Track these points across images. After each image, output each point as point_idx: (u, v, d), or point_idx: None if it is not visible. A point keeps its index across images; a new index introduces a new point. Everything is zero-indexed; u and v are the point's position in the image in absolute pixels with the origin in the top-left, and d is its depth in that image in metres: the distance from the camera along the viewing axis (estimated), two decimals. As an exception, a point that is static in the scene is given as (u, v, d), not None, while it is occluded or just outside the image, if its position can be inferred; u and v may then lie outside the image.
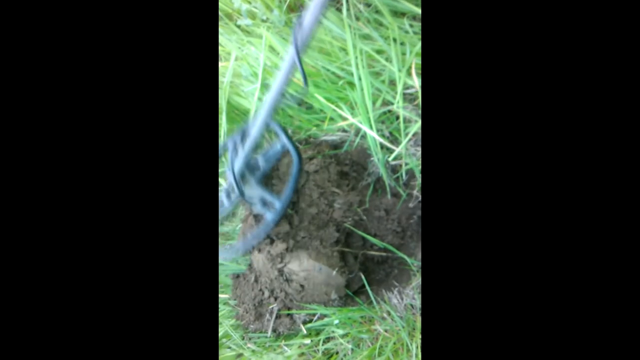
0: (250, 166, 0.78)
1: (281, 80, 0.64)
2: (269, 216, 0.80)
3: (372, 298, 0.81)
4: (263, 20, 0.89)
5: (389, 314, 0.77)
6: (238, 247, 0.83)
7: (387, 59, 0.77)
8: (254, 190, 0.79)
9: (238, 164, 0.74)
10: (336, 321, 0.78)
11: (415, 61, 0.72)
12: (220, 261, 1.02)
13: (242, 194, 0.76)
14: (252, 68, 0.87)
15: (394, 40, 0.74)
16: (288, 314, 0.86)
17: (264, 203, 0.82)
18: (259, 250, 0.87)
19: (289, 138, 0.78)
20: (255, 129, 0.72)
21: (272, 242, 0.86)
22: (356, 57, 0.74)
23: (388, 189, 0.92)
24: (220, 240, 1.08)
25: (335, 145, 0.95)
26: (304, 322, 0.83)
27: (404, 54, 0.75)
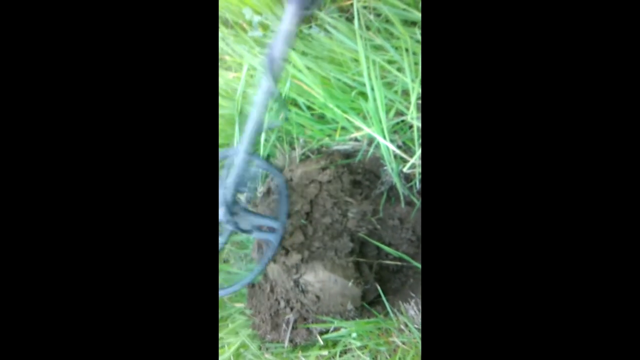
0: (235, 198, 0.77)
1: (258, 110, 0.65)
2: (273, 238, 0.81)
3: (389, 309, 0.81)
4: (273, 32, 0.90)
5: (406, 325, 0.77)
6: (249, 277, 0.85)
7: (399, 69, 0.76)
8: (247, 220, 0.80)
9: (225, 198, 0.74)
10: (354, 334, 0.78)
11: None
12: (235, 270, 1.03)
13: (237, 228, 0.76)
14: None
15: (406, 50, 0.74)
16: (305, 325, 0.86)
17: (260, 229, 0.83)
18: (274, 261, 0.87)
19: (270, 164, 0.79)
20: (237, 161, 0.72)
21: (287, 252, 0.86)
22: (368, 68, 0.74)
23: (402, 197, 0.91)
24: (233, 249, 1.09)
25: (348, 155, 0.95)
26: (321, 333, 0.83)
27: (416, 63, 0.74)
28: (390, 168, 0.85)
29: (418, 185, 0.88)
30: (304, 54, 0.84)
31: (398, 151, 0.78)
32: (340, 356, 0.78)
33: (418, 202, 0.90)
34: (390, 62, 0.76)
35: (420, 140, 0.77)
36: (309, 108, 0.90)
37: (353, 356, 0.77)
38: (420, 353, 0.71)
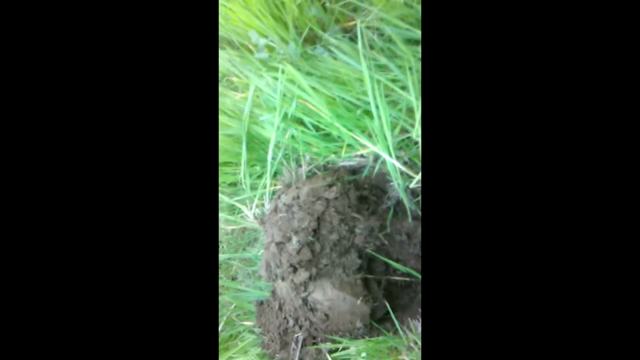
0: None
1: None
2: None
3: (398, 327, 0.80)
4: (280, 54, 0.92)
5: (415, 343, 0.76)
6: None
7: (403, 88, 0.77)
8: None
9: None
10: (364, 354, 0.77)
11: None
12: (243, 287, 1.03)
13: None
14: (271, 97, 0.89)
15: (409, 69, 0.75)
16: (314, 344, 0.85)
17: None
18: (283, 279, 0.87)
19: None
20: None
21: (295, 270, 0.86)
22: (372, 87, 0.75)
23: (409, 212, 0.91)
24: (241, 266, 1.10)
25: (354, 171, 0.96)
26: (330, 352, 0.83)
27: (420, 82, 0.75)
28: (397, 184, 0.86)
29: (425, 201, 0.88)
30: (309, 74, 0.86)
31: (404, 168, 0.78)
32: (350, 376, 0.78)
33: (425, 218, 0.90)
34: (394, 80, 0.78)
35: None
36: (315, 127, 0.91)
37: (363, 376, 0.76)
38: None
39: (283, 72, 0.82)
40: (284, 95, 0.87)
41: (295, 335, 0.86)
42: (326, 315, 0.83)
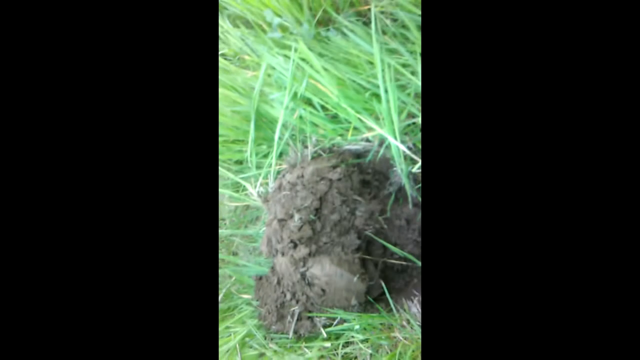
0: None
1: None
2: None
3: (392, 306, 0.83)
4: (292, 34, 0.93)
5: (408, 322, 0.78)
6: None
7: (412, 73, 0.79)
8: None
9: None
10: (357, 326, 0.80)
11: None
12: (243, 262, 1.06)
13: None
14: (282, 76, 0.90)
15: (420, 54, 0.76)
16: (309, 317, 0.88)
17: None
18: (283, 254, 0.90)
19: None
20: None
21: (295, 246, 0.88)
22: (383, 71, 0.76)
23: (410, 198, 0.93)
24: (242, 242, 1.12)
25: (359, 155, 0.97)
26: (325, 326, 0.85)
27: (430, 68, 0.77)
28: (400, 169, 0.88)
29: (426, 187, 0.90)
30: (321, 55, 0.87)
31: (408, 152, 0.80)
32: (342, 348, 0.80)
33: (425, 204, 0.91)
34: (404, 65, 0.79)
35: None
36: (323, 108, 0.93)
37: (355, 349, 0.79)
38: (420, 349, 0.72)
39: (296, 50, 0.84)
40: (295, 75, 0.88)
41: (292, 309, 0.89)
42: (323, 290, 0.86)
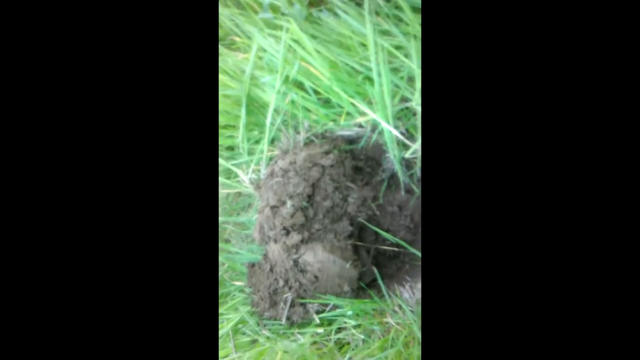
0: None
1: None
2: None
3: (384, 291, 0.83)
4: (283, 14, 0.90)
5: (400, 307, 0.79)
6: None
7: (406, 55, 0.77)
8: None
9: None
10: (349, 312, 0.80)
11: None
12: (236, 249, 1.05)
13: None
14: (274, 58, 0.88)
15: (414, 36, 0.74)
16: (302, 304, 0.88)
17: None
18: (275, 241, 0.89)
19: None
20: None
21: (287, 233, 0.88)
22: (376, 53, 0.74)
23: (402, 185, 0.92)
24: (234, 229, 1.11)
25: (351, 141, 0.96)
26: (317, 312, 0.85)
27: (424, 50, 0.75)
28: (393, 155, 0.86)
29: (418, 173, 0.90)
30: (313, 37, 0.84)
31: (401, 137, 0.79)
32: (335, 334, 0.81)
33: (417, 190, 0.91)
34: (397, 47, 0.77)
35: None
36: (315, 92, 0.90)
37: (347, 335, 0.79)
38: (413, 334, 0.73)
39: (287, 31, 0.81)
40: (286, 57, 0.86)
41: (285, 296, 0.89)
42: (315, 277, 0.85)
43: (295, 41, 0.82)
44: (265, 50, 0.88)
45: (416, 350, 0.69)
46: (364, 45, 0.80)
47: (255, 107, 0.99)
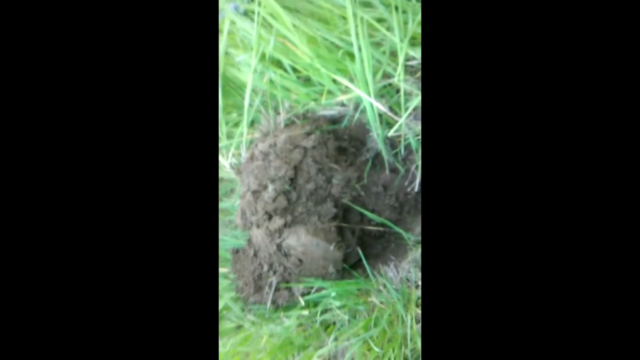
0: None
1: None
2: None
3: (369, 272, 0.83)
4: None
5: (384, 286, 0.79)
6: None
7: (388, 29, 0.74)
8: None
9: None
10: (333, 293, 0.80)
11: (417, 31, 0.69)
12: (220, 236, 1.03)
13: None
14: (248, 34, 0.83)
15: (396, 8, 0.71)
16: (287, 287, 0.87)
17: None
18: (258, 226, 0.87)
19: None
20: None
21: (270, 217, 0.86)
22: (356, 26, 0.71)
23: (387, 164, 0.91)
24: (219, 216, 1.09)
25: (334, 121, 0.93)
26: (302, 295, 0.85)
27: (405, 22, 0.72)
28: (376, 134, 0.84)
29: (403, 152, 0.88)
30: (289, 9, 0.80)
31: (385, 109, 0.76)
32: (320, 315, 0.80)
33: (402, 169, 0.90)
34: (379, 20, 0.73)
35: (406, 105, 0.76)
36: (294, 70, 0.87)
37: (333, 315, 0.79)
38: (397, 312, 0.73)
39: (260, 4, 0.76)
40: (261, 34, 0.81)
41: (269, 280, 0.88)
42: (300, 260, 0.84)
43: (271, 15, 0.78)
44: (235, 23, 0.83)
45: (400, 329, 0.70)
46: (344, 18, 0.76)
47: (232, 88, 0.95)
